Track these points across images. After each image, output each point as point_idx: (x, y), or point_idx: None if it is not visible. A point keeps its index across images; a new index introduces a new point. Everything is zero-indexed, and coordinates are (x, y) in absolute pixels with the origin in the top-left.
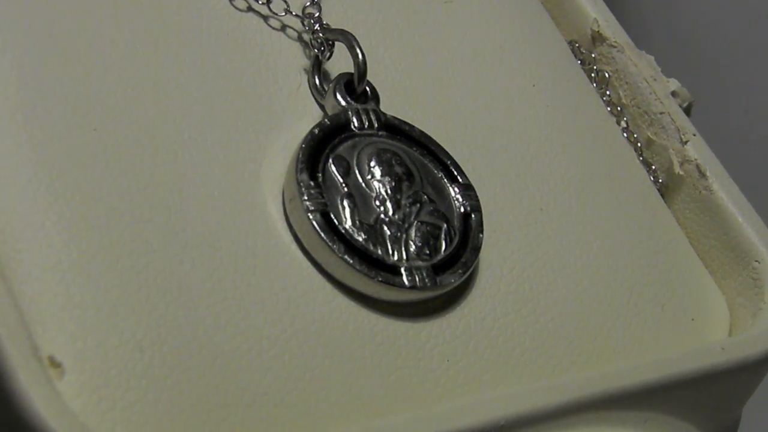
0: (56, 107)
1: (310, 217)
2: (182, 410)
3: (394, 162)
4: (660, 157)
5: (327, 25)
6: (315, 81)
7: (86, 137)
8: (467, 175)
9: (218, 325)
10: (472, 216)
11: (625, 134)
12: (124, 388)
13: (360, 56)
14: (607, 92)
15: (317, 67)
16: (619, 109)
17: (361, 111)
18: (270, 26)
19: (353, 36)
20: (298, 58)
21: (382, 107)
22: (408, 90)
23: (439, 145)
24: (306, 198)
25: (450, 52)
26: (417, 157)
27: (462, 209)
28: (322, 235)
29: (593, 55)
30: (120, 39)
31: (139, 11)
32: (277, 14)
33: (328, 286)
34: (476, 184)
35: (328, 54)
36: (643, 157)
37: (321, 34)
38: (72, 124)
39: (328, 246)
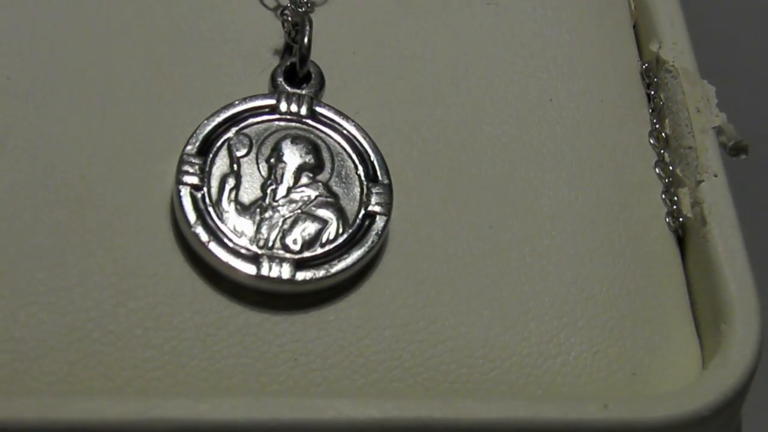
0: None
1: (180, 189)
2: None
3: (303, 151)
4: (682, 195)
5: (308, 8)
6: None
7: None
8: (391, 177)
9: (63, 271)
10: (376, 218)
11: (657, 168)
12: None
13: (305, 40)
14: (654, 121)
15: (288, 50)
16: (665, 139)
17: (290, 95)
18: (264, 5)
19: (308, 20)
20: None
21: (355, 95)
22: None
23: (371, 142)
24: (181, 170)
25: (480, 55)
26: (339, 150)
27: (365, 209)
28: (184, 207)
29: (656, 80)
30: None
31: None
32: None
33: (182, 261)
34: (431, 189)
35: (305, 37)
36: (667, 193)
37: (289, 18)
38: None
39: (186, 219)
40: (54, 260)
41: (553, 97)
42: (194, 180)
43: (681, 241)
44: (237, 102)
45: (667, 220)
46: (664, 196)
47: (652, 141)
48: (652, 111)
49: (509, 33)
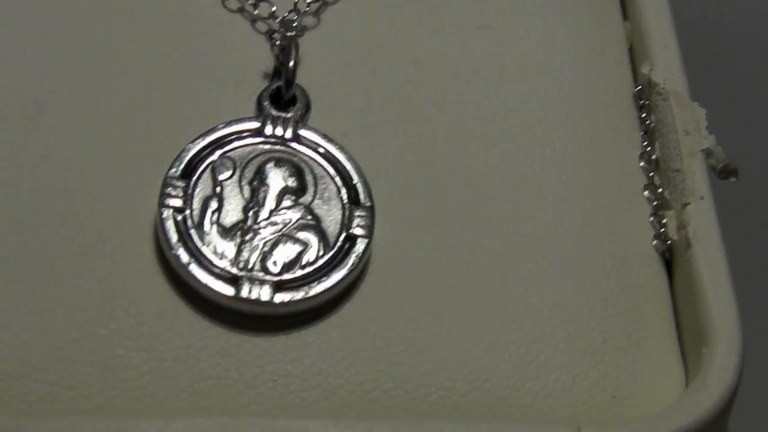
0: None
1: (162, 211)
2: None
3: (286, 173)
4: (669, 218)
5: (298, 32)
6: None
7: None
8: (374, 200)
9: (45, 292)
10: (357, 240)
11: (646, 191)
12: None
13: (290, 64)
14: (644, 143)
15: (277, 74)
16: (655, 162)
17: (276, 119)
18: (256, 30)
19: (294, 44)
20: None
21: (343, 118)
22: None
23: (355, 164)
24: (164, 193)
25: (470, 79)
26: (322, 174)
27: (347, 232)
28: (165, 229)
29: (647, 102)
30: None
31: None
32: (263, 18)
33: (163, 283)
34: (415, 212)
35: (290, 60)
36: (655, 216)
37: (278, 41)
38: None
39: (167, 241)
40: (37, 281)
41: (542, 120)
42: (177, 202)
43: (669, 264)
44: (221, 125)
45: (655, 242)
46: (652, 219)
47: (642, 164)
48: (644, 134)
49: (500, 56)
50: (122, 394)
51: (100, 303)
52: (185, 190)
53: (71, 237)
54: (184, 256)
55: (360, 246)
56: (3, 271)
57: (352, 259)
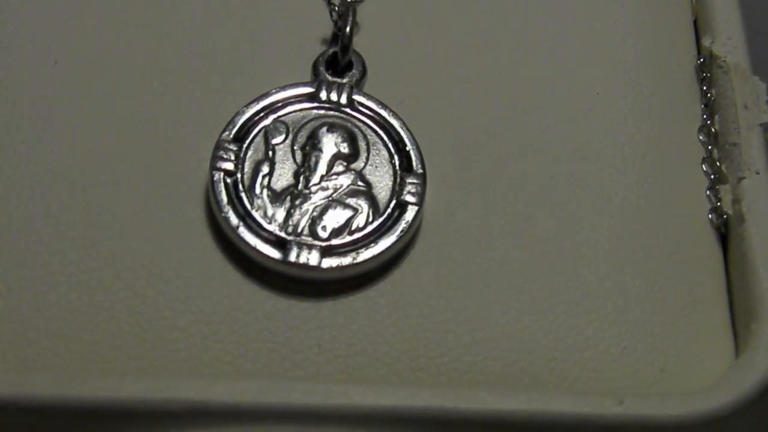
0: None
1: (213, 174)
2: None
3: (339, 139)
4: (724, 192)
5: None
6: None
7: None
8: (428, 168)
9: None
10: (407, 207)
11: (704, 164)
12: None
13: (347, 30)
14: (704, 116)
15: (335, 40)
16: (714, 135)
17: (331, 84)
18: None
19: (352, 9)
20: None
21: (400, 85)
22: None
23: (408, 131)
24: (216, 155)
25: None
26: (375, 140)
27: (397, 198)
28: (216, 192)
29: (709, 75)
30: None
31: None
32: None
33: (213, 246)
34: (469, 180)
35: (347, 26)
36: (712, 190)
37: (336, 7)
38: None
39: (217, 204)
40: (87, 241)
41: (601, 91)
42: (228, 166)
43: (725, 239)
44: (275, 90)
45: (710, 216)
46: (709, 193)
47: (701, 137)
48: (704, 106)
49: (562, 25)
50: (167, 356)
51: (149, 264)
52: (237, 153)
53: (123, 198)
54: (233, 218)
55: (410, 213)
56: (55, 231)
57: (401, 225)
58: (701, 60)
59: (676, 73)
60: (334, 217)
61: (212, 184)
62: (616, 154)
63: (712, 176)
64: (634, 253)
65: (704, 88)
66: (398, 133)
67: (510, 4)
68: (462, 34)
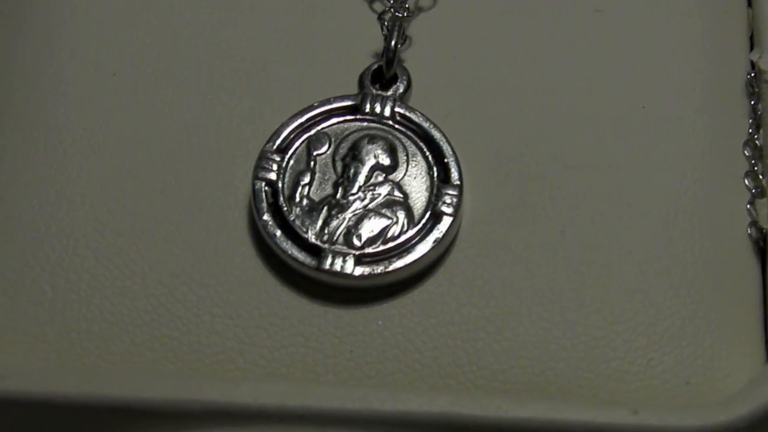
0: None
1: (255, 183)
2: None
3: (380, 150)
4: (760, 206)
5: (406, 12)
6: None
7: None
8: (465, 180)
9: (139, 257)
10: (442, 218)
11: (747, 178)
12: None
13: (392, 42)
14: (750, 131)
15: (385, 51)
16: (759, 150)
17: (375, 96)
18: (373, 10)
19: (398, 24)
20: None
21: (447, 99)
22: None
23: (448, 144)
24: (259, 165)
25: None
26: (414, 151)
27: (432, 209)
28: (257, 200)
29: (757, 90)
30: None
31: None
32: None
33: (253, 253)
34: (508, 192)
35: (392, 40)
36: (753, 204)
37: (386, 22)
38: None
39: (258, 212)
40: (132, 247)
41: (646, 104)
42: (271, 175)
43: (764, 253)
44: (318, 103)
45: (749, 230)
46: (749, 207)
47: (746, 152)
48: (752, 120)
49: (612, 39)
50: (203, 359)
51: (191, 270)
52: (279, 164)
53: (170, 206)
54: (272, 226)
55: (444, 223)
56: (101, 237)
57: (434, 235)
58: (752, 74)
59: (726, 86)
60: (370, 227)
61: (254, 193)
62: (656, 167)
63: (753, 190)
64: (667, 265)
65: (753, 102)
66: (438, 145)
67: (553, 20)
68: (507, 51)
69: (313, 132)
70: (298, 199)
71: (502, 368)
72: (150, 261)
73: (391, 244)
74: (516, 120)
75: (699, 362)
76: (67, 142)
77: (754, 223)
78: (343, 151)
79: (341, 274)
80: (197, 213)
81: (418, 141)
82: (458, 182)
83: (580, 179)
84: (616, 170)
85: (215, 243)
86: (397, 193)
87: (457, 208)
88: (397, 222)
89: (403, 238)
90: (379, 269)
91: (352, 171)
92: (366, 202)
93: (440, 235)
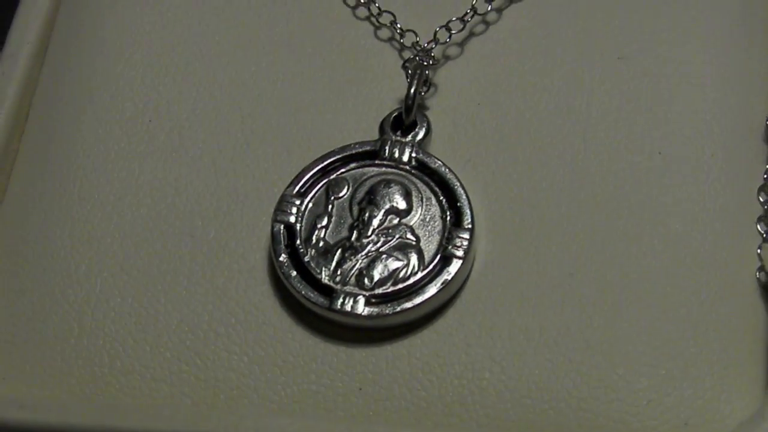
0: None
1: (274, 226)
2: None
3: (395, 194)
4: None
5: (429, 61)
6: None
7: None
8: (477, 224)
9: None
10: (452, 261)
11: (760, 223)
12: None
13: (412, 90)
14: (765, 177)
15: (405, 98)
16: None
17: (393, 142)
18: (402, 58)
19: (419, 72)
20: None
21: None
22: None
23: (462, 187)
24: (279, 209)
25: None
26: (429, 195)
27: (443, 252)
28: (275, 243)
29: None
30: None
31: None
32: (407, 47)
33: (271, 294)
34: (520, 236)
35: (423, 88)
36: (762, 249)
37: (409, 70)
38: None
39: (276, 254)
40: (156, 287)
41: (663, 150)
42: (290, 218)
43: None
44: (339, 148)
45: (758, 275)
46: (759, 251)
47: (761, 197)
48: None
49: (632, 86)
50: (218, 394)
51: (213, 308)
52: (299, 207)
53: (197, 248)
54: (288, 266)
55: (454, 266)
56: (129, 276)
57: (443, 277)
58: None
59: (745, 132)
60: (381, 268)
61: (272, 234)
62: (669, 212)
63: (765, 235)
64: (673, 309)
65: None
66: (452, 190)
67: (576, 68)
68: (526, 99)
69: (333, 176)
70: (314, 241)
71: (505, 407)
72: (173, 300)
73: (400, 286)
74: (533, 165)
75: (698, 403)
76: (102, 185)
77: (762, 268)
78: (360, 195)
79: (351, 314)
80: (221, 254)
81: (434, 185)
82: (470, 226)
83: (592, 223)
84: (629, 215)
85: (236, 283)
86: (410, 236)
87: (467, 251)
88: (408, 264)
89: (412, 279)
90: (388, 310)
91: (367, 215)
92: (379, 245)
93: (449, 278)
